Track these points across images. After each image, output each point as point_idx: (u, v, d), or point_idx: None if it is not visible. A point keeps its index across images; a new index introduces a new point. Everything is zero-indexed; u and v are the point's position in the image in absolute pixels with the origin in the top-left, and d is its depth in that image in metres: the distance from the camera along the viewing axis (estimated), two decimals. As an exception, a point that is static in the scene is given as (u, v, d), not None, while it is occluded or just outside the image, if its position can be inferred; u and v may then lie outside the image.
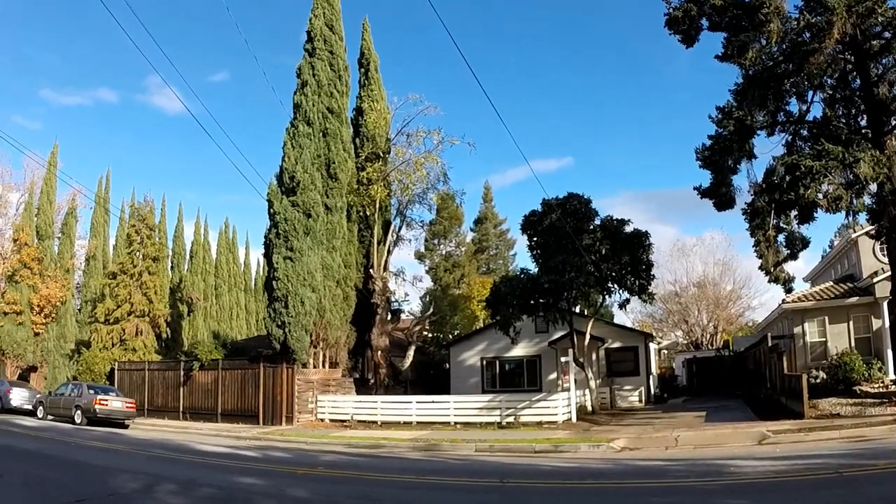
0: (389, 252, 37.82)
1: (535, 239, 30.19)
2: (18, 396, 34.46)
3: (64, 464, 15.45)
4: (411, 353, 38.08)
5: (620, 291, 30.41)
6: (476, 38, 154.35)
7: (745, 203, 24.86)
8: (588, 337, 31.08)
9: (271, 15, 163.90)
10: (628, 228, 29.34)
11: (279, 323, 30.36)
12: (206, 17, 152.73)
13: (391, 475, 14.30)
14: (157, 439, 23.88)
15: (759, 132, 23.79)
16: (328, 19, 34.42)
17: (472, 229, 66.03)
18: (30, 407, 33.57)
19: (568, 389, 27.23)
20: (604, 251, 28.73)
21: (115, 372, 37.94)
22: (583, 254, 27.79)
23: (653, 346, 41.73)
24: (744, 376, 40.45)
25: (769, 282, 25.87)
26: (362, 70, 39.61)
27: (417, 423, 28.44)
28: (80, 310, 55.42)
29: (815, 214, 22.76)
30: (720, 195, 24.57)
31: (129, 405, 30.71)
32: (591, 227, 29.49)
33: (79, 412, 29.19)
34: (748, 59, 22.20)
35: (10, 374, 46.36)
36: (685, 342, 64.75)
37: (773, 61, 22.24)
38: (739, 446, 17.54)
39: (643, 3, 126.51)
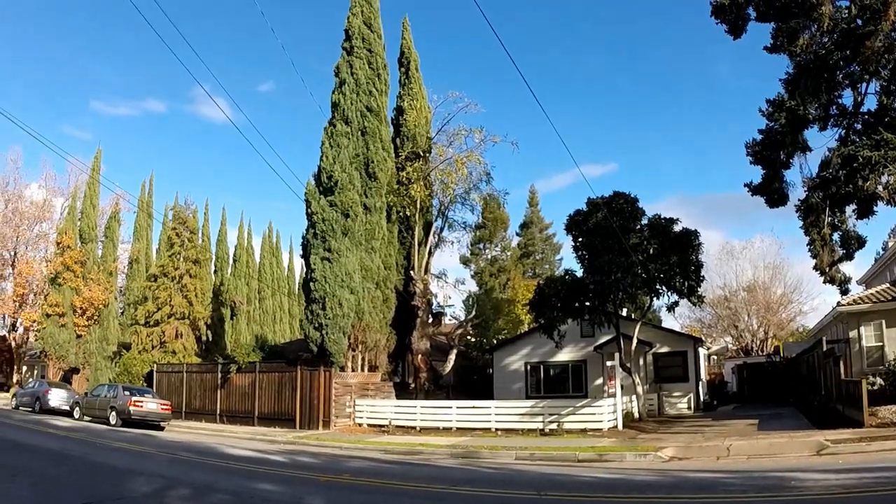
0: (431, 253, 37.13)
1: (580, 239, 29.13)
2: (57, 397, 34.82)
3: (83, 465, 15.01)
4: (453, 356, 37.30)
5: (668, 293, 29.14)
6: (520, 44, 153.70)
7: (799, 199, 23.90)
8: (635, 341, 30.05)
9: (314, 22, 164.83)
10: (677, 227, 28.13)
11: (316, 325, 29.76)
12: (255, 29, 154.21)
13: (419, 484, 13.45)
14: (188, 442, 23.43)
15: (811, 125, 22.79)
16: (366, 17, 33.83)
17: (517, 233, 65.62)
18: (67, 408, 33.82)
19: (614, 395, 26.17)
20: (651, 251, 27.65)
21: (154, 374, 37.81)
22: (630, 253, 26.75)
23: (702, 352, 40.43)
24: (796, 383, 39.07)
25: (824, 282, 24.81)
26: (402, 69, 39.12)
27: (457, 428, 27.61)
28: (122, 312, 55.60)
29: (875, 208, 21.58)
30: (772, 191, 23.58)
31: (165, 407, 30.47)
32: (638, 226, 28.40)
33: (114, 413, 29.13)
34: (799, 47, 21.23)
35: (53, 375, 46.77)
36: (735, 348, 63.24)
37: (825, 50, 21.20)
38: (796, 457, 16.43)
39: (690, 8, 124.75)
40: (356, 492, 12.69)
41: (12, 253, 57.43)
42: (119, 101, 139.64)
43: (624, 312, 34.41)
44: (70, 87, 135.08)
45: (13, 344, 57.39)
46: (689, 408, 34.78)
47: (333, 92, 32.84)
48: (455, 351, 37.61)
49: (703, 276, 28.73)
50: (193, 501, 10.84)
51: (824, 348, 29.72)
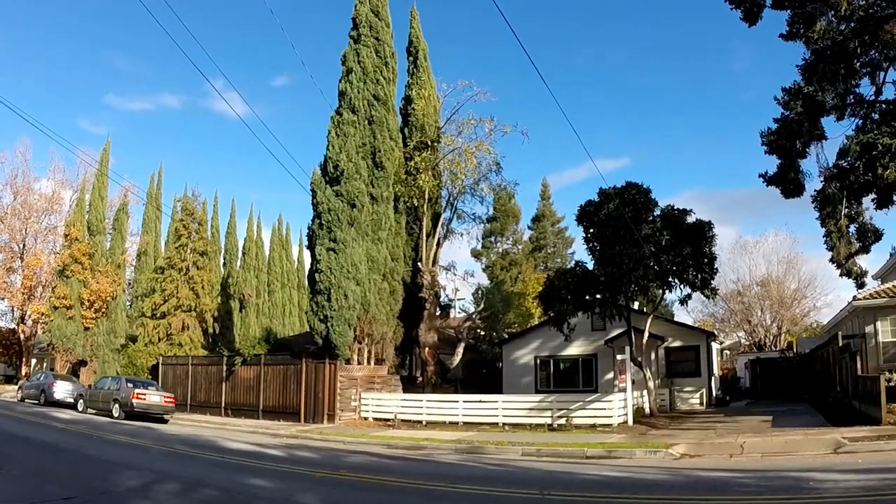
0: (439, 245, 36.62)
1: (591, 230, 28.47)
2: (62, 390, 34.84)
3: (75, 458, 14.71)
4: (461, 350, 36.77)
5: (681, 286, 28.43)
6: (533, 38, 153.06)
7: (815, 190, 23.37)
8: (647, 335, 29.43)
9: (325, 13, 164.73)
10: (690, 219, 27.38)
11: (321, 317, 29.29)
12: (270, 25, 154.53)
13: (417, 481, 12.89)
14: (188, 435, 23.12)
15: (828, 114, 22.18)
16: (374, 6, 33.29)
17: (529, 227, 65.25)
18: (72, 400, 33.80)
19: (624, 390, 25.55)
20: (664, 242, 26.90)
21: (160, 367, 37.58)
22: (642, 245, 26.11)
23: (715, 346, 39.73)
24: (810, 379, 38.43)
25: (840, 275, 24.29)
26: (411, 59, 38.66)
27: (464, 423, 27.12)
28: (131, 305, 55.49)
29: (895, 197, 20.93)
30: (788, 182, 22.97)
31: (168, 400, 30.30)
32: (651, 217, 27.71)
33: (116, 406, 29.05)
34: (816, 33, 20.63)
35: (60, 368, 46.73)
36: (747, 343, 62.63)
37: (842, 36, 20.55)
38: (813, 455, 15.84)
39: (704, 6, 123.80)
40: (351, 489, 12.22)
41: (21, 245, 57.30)
42: (134, 94, 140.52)
43: (636, 306, 33.77)
44: (86, 82, 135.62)
45: (22, 337, 57.33)
46: (700, 403, 34.13)
47: (340, 81, 32.34)
48: (463, 344, 37.07)
49: (717, 269, 28.01)
50: (179, 496, 10.45)
51: (840, 343, 29.02)
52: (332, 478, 13.27)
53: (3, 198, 58.24)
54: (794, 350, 48.63)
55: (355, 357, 30.97)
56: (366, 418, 29.86)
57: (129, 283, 58.67)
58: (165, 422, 29.26)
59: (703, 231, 27.17)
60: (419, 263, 34.95)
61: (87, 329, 48.50)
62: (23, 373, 55.28)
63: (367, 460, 17.23)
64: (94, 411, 30.94)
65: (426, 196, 34.65)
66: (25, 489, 10.55)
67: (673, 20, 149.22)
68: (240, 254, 60.90)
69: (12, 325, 60.69)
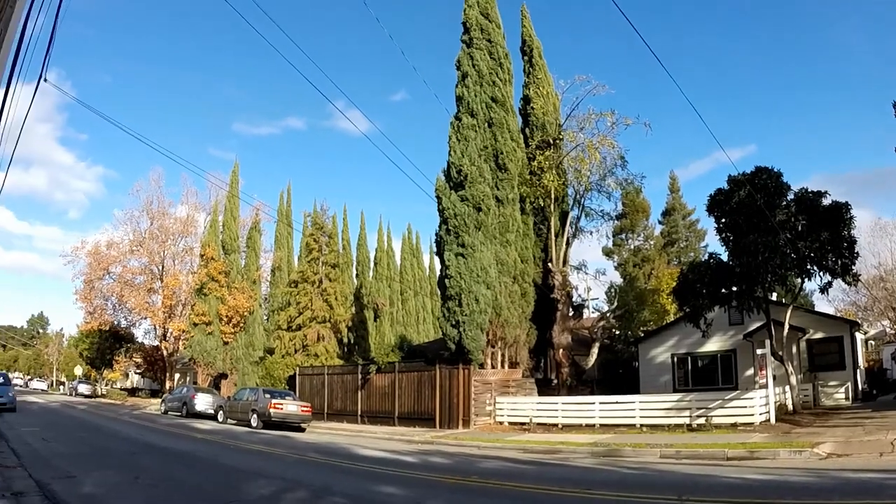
0: (568, 244, 36.21)
1: (722, 220, 27.41)
2: (202, 402, 36.41)
3: (209, 467, 15.00)
4: (595, 350, 36.20)
5: (820, 273, 26.98)
6: (652, 26, 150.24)
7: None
8: (786, 327, 28.08)
9: (437, 25, 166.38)
10: (826, 201, 25.92)
11: (453, 322, 29.30)
12: (387, 43, 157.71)
13: (550, 487, 12.51)
14: (323, 443, 23.35)
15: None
16: (483, 8, 33.23)
17: (659, 221, 63.98)
18: (212, 411, 35.17)
19: (765, 386, 24.41)
20: (799, 227, 25.63)
21: (297, 377, 38.53)
22: (776, 232, 24.93)
23: (859, 336, 37.71)
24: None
25: None
26: (525, 58, 38.41)
27: (600, 425, 26.51)
28: (268, 318, 57.01)
29: None
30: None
31: (305, 409, 31.00)
32: (784, 202, 26.46)
33: (255, 416, 29.89)
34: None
35: (202, 381, 48.59)
36: (893, 332, 59.35)
37: None
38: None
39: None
40: (480, 496, 11.97)
41: (160, 267, 59.76)
42: (260, 120, 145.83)
43: (774, 297, 32.36)
44: (213, 112, 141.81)
45: (165, 353, 59.79)
46: (846, 398, 32.34)
47: (457, 86, 32.40)
48: (598, 344, 36.49)
49: (858, 253, 26.45)
50: (305, 505, 10.53)
51: None
52: (463, 484, 13.00)
53: (141, 223, 60.94)
54: (948, 337, 45.90)
55: (489, 361, 30.84)
56: (501, 423, 29.68)
57: (266, 298, 60.39)
58: (302, 430, 29.88)
59: (840, 213, 25.67)
60: (549, 264, 34.60)
61: (226, 343, 50.23)
62: (167, 387, 57.64)
63: (500, 465, 16.95)
64: (233, 422, 32.02)
65: (552, 195, 34.29)
66: (156, 498, 10.84)
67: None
68: (371, 265, 61.88)
69: (155, 343, 63.55)
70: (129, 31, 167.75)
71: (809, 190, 26.42)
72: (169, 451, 18.27)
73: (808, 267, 26.47)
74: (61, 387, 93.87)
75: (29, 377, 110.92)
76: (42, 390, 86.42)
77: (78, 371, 79.47)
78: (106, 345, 67.66)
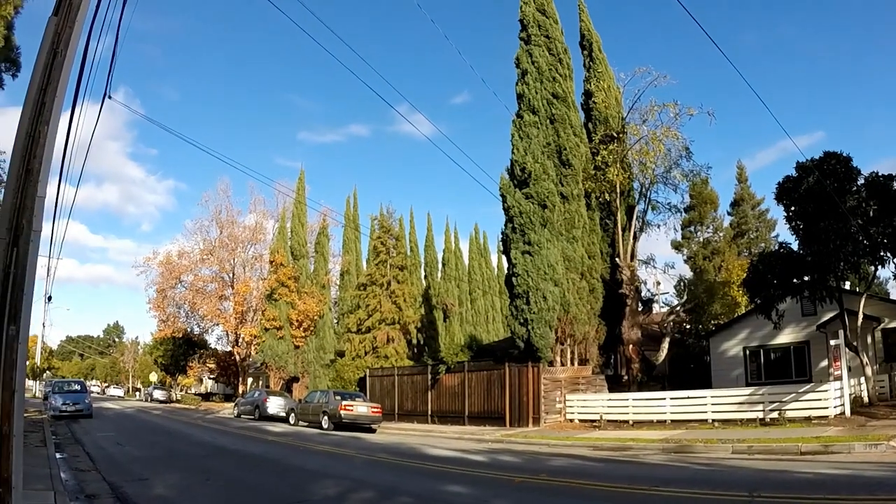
0: (636, 238, 35.71)
1: (792, 208, 26.72)
2: (274, 405, 37.03)
3: (278, 468, 15.11)
4: (665, 345, 35.68)
5: (894, 260, 26.18)
6: (713, 16, 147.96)
7: None
8: (861, 316, 27.23)
9: (498, 24, 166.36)
10: (897, 184, 25.23)
11: (521, 320, 29.21)
12: (446, 46, 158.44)
13: (618, 485, 12.31)
14: (392, 443, 23.42)
15: None
16: (539, 4, 33.08)
17: (728, 213, 62.76)
18: (284, 414, 35.70)
19: (839, 378, 23.76)
20: (871, 213, 24.84)
21: (367, 379, 38.86)
22: (847, 218, 24.18)
23: (939, 324, 36.47)
24: None
25: None
26: (585, 52, 38.04)
27: (672, 421, 26.19)
28: (338, 322, 57.48)
29: None
30: None
31: (375, 410, 31.14)
32: (854, 188, 25.69)
33: (325, 418, 30.15)
34: None
35: (274, 385, 49.38)
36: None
37: None
38: None
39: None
40: (547, 494, 11.83)
41: (231, 274, 60.78)
42: (325, 129, 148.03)
43: (847, 286, 31.46)
44: (278, 122, 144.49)
45: (237, 358, 60.72)
46: (925, 389, 31.37)
47: (517, 83, 32.29)
48: (668, 339, 35.95)
49: (934, 237, 25.57)
50: (371, 505, 10.56)
51: None
52: (530, 482, 12.90)
53: (211, 232, 62.09)
54: None
55: (558, 359, 30.65)
56: (571, 420, 29.49)
57: (335, 302, 60.88)
58: (373, 431, 30.06)
59: (913, 196, 24.87)
60: (616, 259, 34.21)
61: (297, 347, 50.80)
62: (240, 391, 58.48)
63: (569, 463, 16.82)
64: (304, 424, 32.32)
65: (617, 189, 33.86)
66: (224, 498, 11.15)
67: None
68: (439, 266, 61.91)
69: (228, 348, 64.67)
70: (193, 49, 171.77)
71: (880, 174, 25.61)
72: (239, 454, 18.56)
73: (882, 253, 25.67)
74: (137, 393, 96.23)
75: (106, 384, 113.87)
76: (119, 397, 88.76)
77: (153, 377, 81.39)
78: (179, 351, 69.43)
